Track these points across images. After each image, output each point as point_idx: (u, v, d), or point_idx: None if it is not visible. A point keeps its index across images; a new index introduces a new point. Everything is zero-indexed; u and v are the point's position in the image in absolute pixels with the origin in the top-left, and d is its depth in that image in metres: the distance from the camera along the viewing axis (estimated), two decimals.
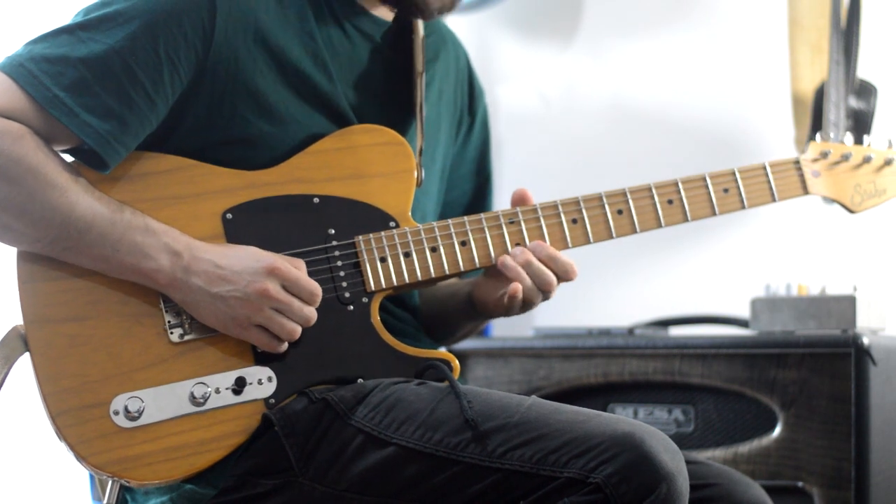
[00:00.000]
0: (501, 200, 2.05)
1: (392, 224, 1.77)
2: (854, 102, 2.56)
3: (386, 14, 1.88)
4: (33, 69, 1.64)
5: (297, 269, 1.68)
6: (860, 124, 2.56)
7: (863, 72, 2.59)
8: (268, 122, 1.74)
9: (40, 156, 1.63)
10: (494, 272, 1.82)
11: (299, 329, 1.68)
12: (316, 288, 1.68)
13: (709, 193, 1.87)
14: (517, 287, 1.78)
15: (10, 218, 1.62)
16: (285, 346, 1.69)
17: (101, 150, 1.65)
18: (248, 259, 1.67)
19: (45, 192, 1.62)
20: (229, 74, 1.71)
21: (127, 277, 1.66)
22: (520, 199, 1.83)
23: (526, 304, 1.81)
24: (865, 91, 2.58)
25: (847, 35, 2.59)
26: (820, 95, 2.60)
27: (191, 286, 1.65)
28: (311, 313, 1.69)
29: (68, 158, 1.69)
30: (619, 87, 3.16)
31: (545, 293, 1.80)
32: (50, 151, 1.65)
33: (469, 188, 2.03)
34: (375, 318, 1.74)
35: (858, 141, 2.02)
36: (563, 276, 1.80)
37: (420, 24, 1.91)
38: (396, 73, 1.87)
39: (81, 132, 1.64)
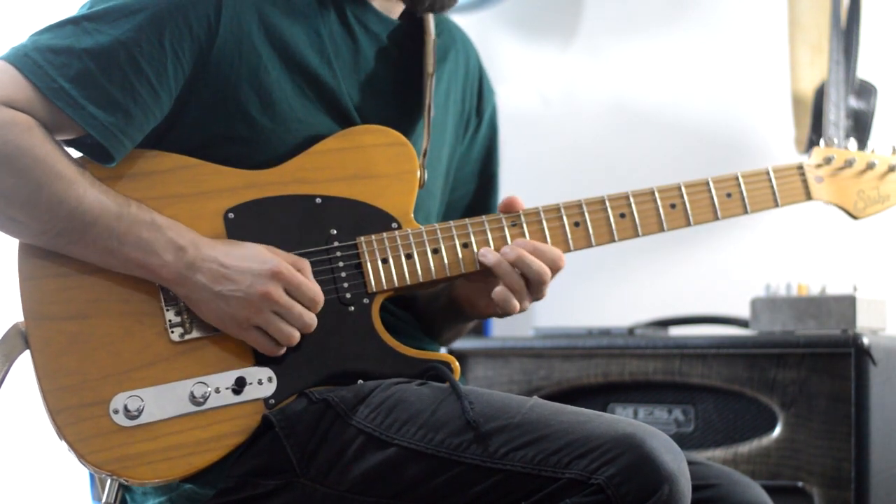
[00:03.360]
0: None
1: (394, 225, 1.76)
2: (854, 102, 2.56)
3: (393, 12, 1.86)
4: (38, 59, 1.62)
5: (301, 271, 1.68)
6: (860, 124, 2.56)
7: (863, 72, 2.59)
8: (270, 119, 1.73)
9: (48, 147, 1.62)
10: (479, 273, 1.79)
11: (298, 334, 1.68)
12: (317, 294, 1.68)
13: (711, 198, 1.86)
14: (499, 287, 1.75)
15: (16, 209, 1.61)
16: (283, 350, 1.68)
17: (106, 142, 1.64)
18: (252, 260, 1.66)
19: (52, 184, 1.61)
20: (233, 68, 1.71)
21: (131, 272, 1.65)
22: (507, 207, 1.80)
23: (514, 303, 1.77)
24: (865, 91, 2.58)
25: (847, 35, 2.59)
26: (820, 95, 2.59)
27: (195, 283, 1.65)
28: (311, 319, 1.68)
29: (73, 153, 1.67)
30: (619, 87, 3.16)
31: (538, 287, 1.77)
32: (57, 144, 1.63)
33: (472, 188, 2.02)
34: (376, 319, 1.73)
35: (861, 143, 2.02)
36: (552, 265, 1.77)
37: (431, 25, 1.89)
38: (403, 73, 1.86)
39: (87, 124, 1.63)
